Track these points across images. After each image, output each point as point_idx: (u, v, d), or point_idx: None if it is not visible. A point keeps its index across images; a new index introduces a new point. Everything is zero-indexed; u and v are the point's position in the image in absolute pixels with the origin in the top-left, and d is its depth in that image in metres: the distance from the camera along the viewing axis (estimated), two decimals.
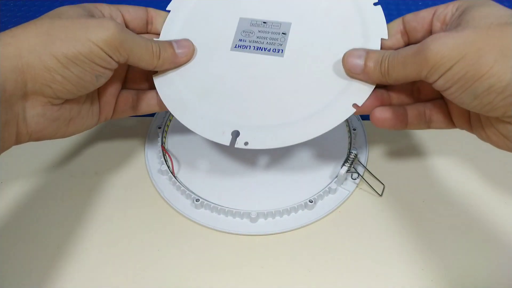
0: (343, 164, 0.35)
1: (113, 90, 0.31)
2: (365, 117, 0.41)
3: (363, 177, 0.36)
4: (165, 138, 0.39)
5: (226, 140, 0.30)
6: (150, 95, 0.34)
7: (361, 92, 0.29)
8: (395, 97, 0.30)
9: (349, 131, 0.39)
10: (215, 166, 0.37)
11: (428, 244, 0.32)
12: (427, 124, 0.30)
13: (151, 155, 0.38)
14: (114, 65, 0.28)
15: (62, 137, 0.29)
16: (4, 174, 0.37)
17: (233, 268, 0.31)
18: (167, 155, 0.37)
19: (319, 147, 0.38)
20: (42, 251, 0.32)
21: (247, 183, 0.36)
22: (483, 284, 0.30)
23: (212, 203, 0.34)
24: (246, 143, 0.30)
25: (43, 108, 0.27)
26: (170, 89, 0.32)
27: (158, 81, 0.32)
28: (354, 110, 0.28)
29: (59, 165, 0.38)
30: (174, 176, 0.36)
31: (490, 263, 0.31)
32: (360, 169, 0.36)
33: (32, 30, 0.26)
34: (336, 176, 0.35)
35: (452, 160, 0.37)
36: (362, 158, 0.37)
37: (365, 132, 0.40)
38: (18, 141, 0.27)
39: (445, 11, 0.27)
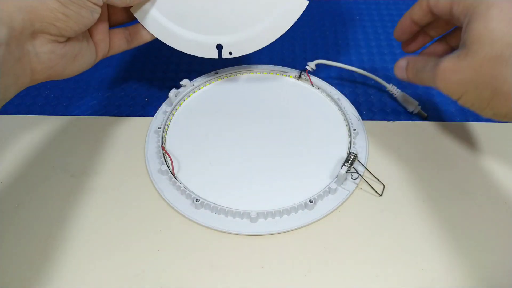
0: (343, 164, 0.35)
1: (102, 27, 0.35)
2: (365, 117, 0.41)
3: (363, 177, 0.36)
4: (165, 138, 0.39)
5: (214, 54, 0.37)
6: (141, 27, 0.37)
7: None
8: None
9: (349, 131, 0.39)
10: (215, 166, 0.37)
11: (428, 244, 0.32)
12: None
13: (151, 155, 0.38)
14: (101, 2, 0.31)
15: (70, 75, 0.33)
16: (4, 174, 0.37)
17: (233, 268, 0.31)
18: (167, 155, 0.37)
19: (319, 147, 0.38)
20: (42, 251, 0.32)
21: (248, 183, 0.36)
22: (483, 284, 0.30)
23: (212, 203, 0.34)
24: (230, 53, 0.37)
25: (52, 46, 0.30)
26: (150, 19, 0.36)
27: (136, 13, 0.36)
28: (307, 2, 0.35)
29: (59, 165, 0.38)
30: (174, 176, 0.36)
31: (490, 263, 0.31)
32: (360, 169, 0.36)
33: None
34: (336, 176, 0.35)
35: (452, 160, 0.37)
36: (362, 158, 0.37)
37: (365, 132, 0.40)
38: (33, 78, 0.30)
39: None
